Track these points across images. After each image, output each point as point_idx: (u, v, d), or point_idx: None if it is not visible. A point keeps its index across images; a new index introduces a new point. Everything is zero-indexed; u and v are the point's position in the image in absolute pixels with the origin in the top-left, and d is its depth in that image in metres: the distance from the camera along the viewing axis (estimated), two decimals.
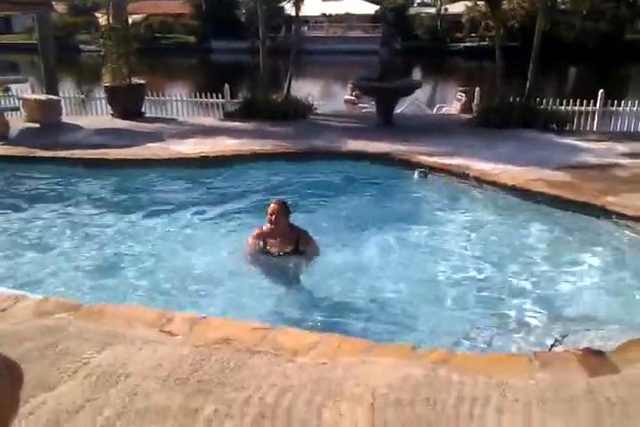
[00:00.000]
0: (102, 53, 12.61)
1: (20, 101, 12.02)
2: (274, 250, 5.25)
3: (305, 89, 14.42)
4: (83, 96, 13.58)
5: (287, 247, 5.26)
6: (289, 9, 14.79)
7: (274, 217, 5.16)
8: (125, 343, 3.24)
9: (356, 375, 3.00)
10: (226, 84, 12.69)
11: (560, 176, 7.48)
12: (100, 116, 12.72)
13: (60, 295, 4.15)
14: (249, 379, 2.93)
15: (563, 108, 11.61)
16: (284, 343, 3.30)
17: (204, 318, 3.63)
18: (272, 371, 3.01)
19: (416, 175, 7.99)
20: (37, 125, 11.05)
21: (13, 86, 12.89)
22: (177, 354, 3.15)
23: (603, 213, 6.24)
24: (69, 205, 6.95)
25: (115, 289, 4.81)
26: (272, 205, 5.22)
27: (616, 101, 11.53)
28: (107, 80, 12.37)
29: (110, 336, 3.30)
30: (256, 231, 5.36)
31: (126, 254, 5.56)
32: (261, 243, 5.27)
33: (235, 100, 12.67)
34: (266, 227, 5.28)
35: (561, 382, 3.01)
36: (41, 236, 6.00)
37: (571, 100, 11.67)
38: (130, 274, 5.14)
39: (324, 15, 52.82)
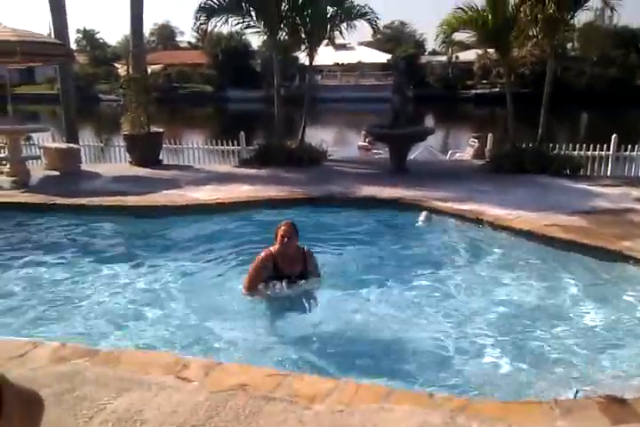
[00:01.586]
0: (121, 103, 12.97)
1: (41, 150, 12.33)
2: (285, 271, 5.29)
3: (319, 136, 14.68)
4: (102, 144, 13.90)
5: (297, 268, 5.36)
6: (303, 58, 15.22)
7: (286, 239, 5.22)
8: (141, 389, 3.23)
9: (374, 423, 2.96)
10: (241, 132, 12.97)
11: (575, 221, 7.46)
12: (118, 164, 12.98)
13: (77, 342, 4.16)
14: (265, 426, 2.90)
15: (576, 153, 11.69)
16: (299, 390, 3.27)
17: (220, 363, 3.63)
18: (288, 418, 2.98)
19: (420, 222, 7.95)
20: (57, 173, 11.28)
21: (35, 135, 13.24)
22: (192, 400, 3.13)
23: (620, 258, 6.20)
24: (88, 252, 7.01)
25: (133, 334, 4.81)
26: (283, 227, 5.27)
27: (630, 146, 11.60)
28: (125, 128, 12.66)
29: (126, 382, 3.30)
30: (265, 253, 5.34)
31: (142, 300, 5.57)
32: (271, 264, 5.28)
33: (250, 148, 12.91)
34: (274, 249, 5.31)
35: None
36: (59, 283, 6.03)
37: (584, 146, 11.76)
38: (147, 319, 5.15)
39: (336, 64, 54.10)
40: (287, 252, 5.31)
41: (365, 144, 15.48)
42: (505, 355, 4.48)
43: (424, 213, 7.99)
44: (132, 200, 8.79)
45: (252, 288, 5.31)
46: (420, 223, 7.94)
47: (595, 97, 40.57)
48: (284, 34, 12.77)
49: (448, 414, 3.08)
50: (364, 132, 15.67)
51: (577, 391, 3.88)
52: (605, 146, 11.63)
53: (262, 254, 5.36)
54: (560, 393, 3.82)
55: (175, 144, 13.49)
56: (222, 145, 13.13)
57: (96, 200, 8.75)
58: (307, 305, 5.29)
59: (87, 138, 14.42)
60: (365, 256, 6.88)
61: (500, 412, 3.19)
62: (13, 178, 10.13)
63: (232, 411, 3.03)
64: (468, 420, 3.01)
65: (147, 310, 5.33)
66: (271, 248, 5.35)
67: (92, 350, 3.74)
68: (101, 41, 76.88)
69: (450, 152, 15.56)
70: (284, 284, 5.27)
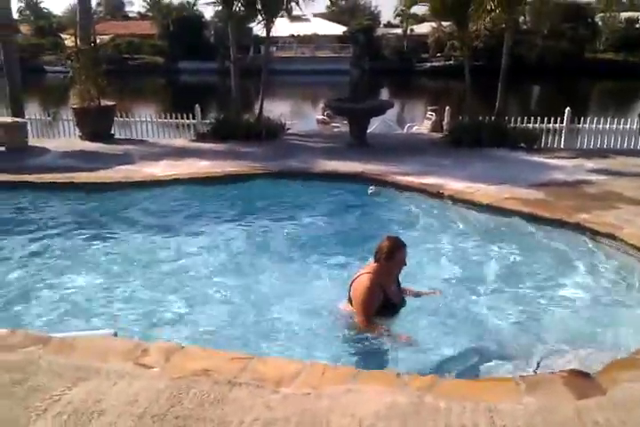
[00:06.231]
0: (69, 75, 12.43)
1: None
2: (393, 299, 4.43)
3: (277, 109, 14.42)
4: (50, 118, 13.34)
5: (400, 293, 4.59)
6: (257, 30, 14.80)
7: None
8: (99, 378, 3.08)
9: (342, 405, 2.89)
10: (197, 105, 12.60)
11: (533, 194, 7.54)
12: (68, 139, 12.51)
13: (28, 328, 3.98)
14: (231, 413, 2.80)
15: (531, 126, 11.77)
16: (265, 373, 3.18)
17: (181, 348, 3.49)
18: (255, 404, 2.89)
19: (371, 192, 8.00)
20: (2, 149, 10.81)
21: None
22: (153, 388, 3.00)
23: (577, 230, 6.28)
24: (36, 232, 6.72)
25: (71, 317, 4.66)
26: (402, 247, 4.35)
27: (582, 119, 11.73)
28: (75, 102, 12.19)
29: (82, 371, 3.14)
30: (375, 276, 4.29)
31: (95, 280, 5.39)
32: (381, 292, 4.30)
33: (206, 121, 12.58)
34: (374, 268, 4.35)
35: (549, 405, 2.95)
36: (3, 263, 5.79)
37: (538, 119, 11.85)
38: (82, 298, 5.00)
39: (292, 36, 53.16)
40: (395, 274, 4.48)
41: (324, 117, 15.29)
42: (463, 329, 4.47)
43: (373, 187, 8.05)
44: (83, 176, 8.46)
45: (371, 322, 4.26)
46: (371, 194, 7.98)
47: (546, 70, 41.04)
48: (240, 5, 12.38)
49: (416, 393, 3.03)
50: (322, 106, 15.47)
51: (537, 364, 3.92)
52: (559, 119, 11.75)
53: (370, 280, 4.27)
54: (523, 368, 3.84)
55: (127, 117, 13.05)
56: (177, 118, 12.76)
57: (45, 177, 8.39)
58: None
59: (34, 111, 13.82)
60: (328, 231, 6.81)
61: (467, 390, 3.17)
62: None
63: (196, 398, 2.91)
64: (436, 399, 2.98)
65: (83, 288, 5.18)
66: (370, 270, 4.36)
67: (45, 337, 3.54)
68: (46, 10, 73.68)
69: (407, 125, 15.52)
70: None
